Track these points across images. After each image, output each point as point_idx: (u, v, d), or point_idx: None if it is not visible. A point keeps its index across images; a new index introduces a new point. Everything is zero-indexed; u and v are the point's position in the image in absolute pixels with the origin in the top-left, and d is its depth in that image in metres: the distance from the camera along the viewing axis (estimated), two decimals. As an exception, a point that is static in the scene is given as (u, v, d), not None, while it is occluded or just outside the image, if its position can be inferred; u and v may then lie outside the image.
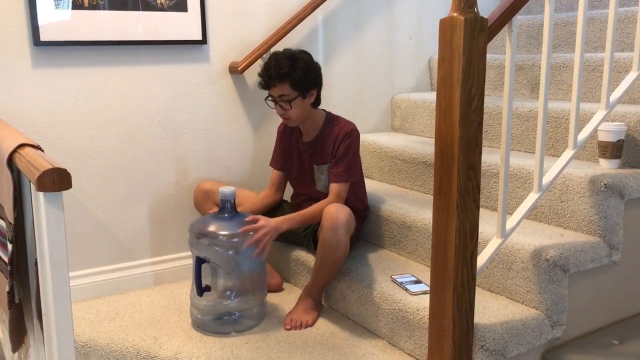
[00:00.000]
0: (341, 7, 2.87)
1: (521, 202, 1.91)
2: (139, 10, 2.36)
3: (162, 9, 2.40)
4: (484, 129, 2.54)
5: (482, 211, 2.22)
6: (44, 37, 2.20)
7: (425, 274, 2.13)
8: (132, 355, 2.01)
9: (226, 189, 2.12)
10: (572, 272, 1.92)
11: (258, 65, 2.51)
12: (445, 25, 1.52)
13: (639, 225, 2.12)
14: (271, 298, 2.36)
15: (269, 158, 2.54)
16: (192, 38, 2.48)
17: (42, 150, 1.37)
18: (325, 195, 2.26)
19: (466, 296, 1.65)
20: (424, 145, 2.68)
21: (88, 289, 2.43)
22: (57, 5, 2.20)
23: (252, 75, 2.60)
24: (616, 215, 2.02)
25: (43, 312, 1.29)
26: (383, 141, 2.85)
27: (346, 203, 2.21)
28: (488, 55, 2.60)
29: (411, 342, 1.93)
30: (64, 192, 1.19)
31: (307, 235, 2.37)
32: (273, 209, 2.42)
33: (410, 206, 2.38)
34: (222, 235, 2.05)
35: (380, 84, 3.09)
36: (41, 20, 2.18)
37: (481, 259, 1.76)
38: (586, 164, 2.23)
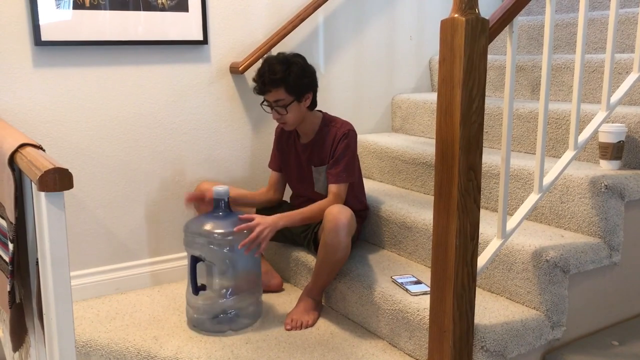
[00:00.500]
0: (342, 7, 2.87)
1: (522, 203, 1.91)
2: (140, 10, 2.36)
3: (163, 9, 2.40)
4: (484, 130, 2.55)
5: (482, 212, 2.23)
6: (45, 36, 2.20)
7: (426, 274, 2.13)
8: (132, 355, 2.01)
9: (220, 188, 2.12)
10: (572, 273, 1.92)
11: (259, 66, 2.51)
12: (447, 26, 1.52)
13: (639, 226, 2.12)
14: (271, 298, 2.36)
15: (268, 158, 2.54)
16: (192, 38, 2.48)
17: (44, 150, 1.37)
18: (324, 196, 2.26)
19: (466, 297, 1.65)
20: (424, 146, 2.68)
21: (88, 289, 2.43)
22: (58, 5, 2.21)
23: (253, 75, 2.60)
24: (616, 217, 2.03)
25: (44, 312, 1.29)
26: (383, 142, 2.85)
27: (345, 203, 2.21)
28: (489, 56, 2.61)
29: (411, 343, 1.93)
30: (65, 192, 1.19)
31: (307, 236, 2.37)
32: (273, 210, 2.42)
33: (410, 207, 2.39)
34: (216, 233, 2.05)
35: (381, 85, 3.09)
36: (42, 20, 2.18)
37: (481, 260, 1.76)
38: (587, 165, 2.23)
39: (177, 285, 2.56)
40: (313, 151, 2.31)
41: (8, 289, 1.45)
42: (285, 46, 2.64)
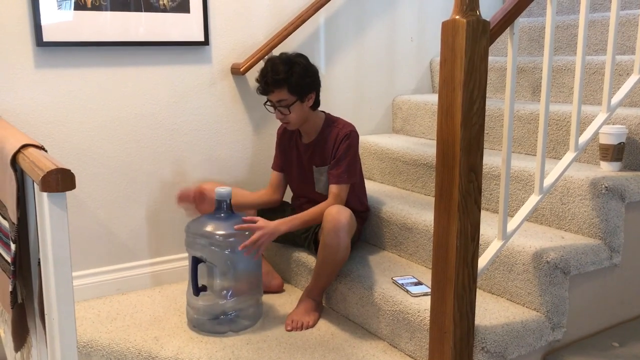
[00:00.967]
0: (343, 9, 2.88)
1: (522, 205, 1.91)
2: (141, 11, 2.36)
3: (164, 10, 2.40)
4: (485, 131, 2.55)
5: (483, 213, 2.23)
6: (46, 37, 2.21)
7: (426, 275, 2.14)
8: (133, 355, 2.01)
9: (222, 189, 2.13)
10: (572, 274, 1.93)
11: (260, 67, 2.51)
12: (448, 28, 1.53)
13: (640, 228, 2.13)
14: (272, 299, 2.37)
15: (269, 159, 2.55)
16: (194, 39, 2.49)
17: (46, 151, 1.38)
18: (324, 197, 2.27)
19: (467, 298, 1.65)
20: (425, 147, 2.68)
21: (89, 289, 2.44)
22: (59, 6, 2.21)
23: (254, 76, 2.58)
24: (617, 218, 2.03)
25: (46, 312, 1.29)
26: (384, 143, 2.85)
27: (346, 204, 2.21)
28: (489, 58, 2.61)
29: (412, 344, 1.93)
30: (66, 193, 1.20)
31: (308, 237, 2.37)
32: (275, 211, 2.42)
33: (411, 208, 2.39)
34: (218, 235, 2.05)
35: (382, 86, 3.09)
36: (44, 21, 2.19)
37: (482, 261, 1.77)
38: (587, 167, 2.23)
39: (178, 286, 2.57)
40: (315, 151, 2.32)
41: (10, 289, 1.46)
42: (287, 47, 2.64)
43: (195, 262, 2.07)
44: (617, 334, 2.11)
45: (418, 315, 1.90)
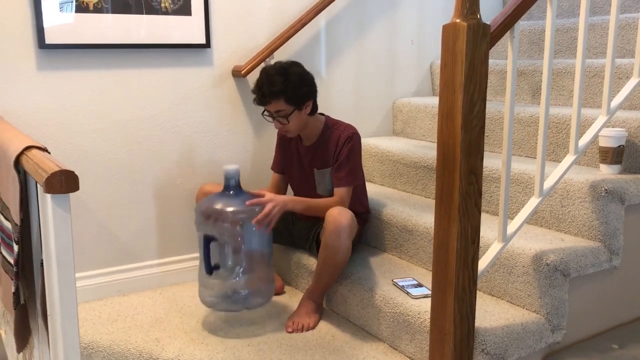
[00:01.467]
0: (344, 12, 2.89)
1: (522, 207, 1.92)
2: (143, 13, 2.37)
3: (166, 12, 2.41)
4: (485, 134, 2.56)
5: (483, 216, 2.23)
6: (49, 39, 2.21)
7: (427, 277, 2.14)
8: (134, 356, 2.02)
9: (230, 167, 2.13)
10: (572, 276, 1.93)
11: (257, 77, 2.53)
12: (448, 31, 1.54)
13: (639, 230, 2.13)
14: (273, 301, 2.37)
15: (270, 161, 2.56)
16: (195, 42, 2.50)
17: (49, 153, 1.38)
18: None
19: (467, 300, 1.66)
20: (425, 150, 2.69)
21: (90, 291, 2.44)
22: (61, 9, 2.22)
23: (255, 78, 2.62)
24: (616, 221, 2.04)
25: (48, 313, 1.30)
26: (384, 145, 2.86)
27: (348, 206, 2.22)
28: (490, 61, 2.62)
29: (412, 346, 1.94)
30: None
31: (308, 239, 2.38)
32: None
33: (411, 210, 2.40)
34: (228, 211, 2.06)
35: (382, 89, 3.10)
36: (46, 23, 2.20)
37: (482, 263, 1.77)
38: (587, 170, 2.24)
39: (179, 287, 2.57)
40: (316, 154, 2.33)
41: (13, 290, 1.46)
42: (287, 50, 2.66)
43: (207, 240, 2.08)
44: (616, 336, 2.12)
45: (418, 317, 1.90)
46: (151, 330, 2.16)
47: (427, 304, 1.91)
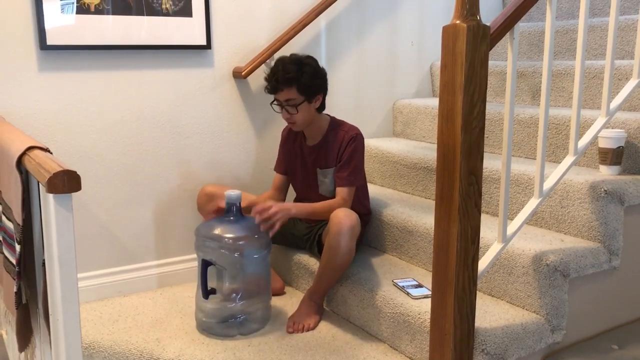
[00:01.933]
0: (344, 13, 2.90)
1: (522, 208, 1.93)
2: (144, 15, 2.38)
3: (167, 14, 2.42)
4: (485, 135, 2.57)
5: (483, 216, 2.23)
6: (50, 41, 2.22)
7: (427, 278, 2.15)
8: (135, 357, 2.02)
9: (232, 193, 2.14)
10: (572, 277, 1.94)
11: (262, 71, 2.54)
12: (448, 33, 1.54)
13: (639, 231, 2.14)
14: (273, 301, 2.37)
15: (272, 162, 2.56)
16: (196, 43, 2.50)
17: (51, 153, 1.39)
18: (327, 199, 2.28)
19: (467, 300, 1.66)
20: (425, 151, 2.70)
21: (91, 292, 2.45)
22: (63, 10, 2.23)
23: (256, 80, 2.63)
24: (616, 221, 2.04)
25: (50, 313, 1.30)
26: (385, 146, 2.87)
27: (350, 207, 2.22)
28: (490, 62, 2.63)
29: (412, 346, 1.94)
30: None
31: (310, 239, 2.39)
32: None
33: (411, 211, 2.40)
34: (227, 238, 2.07)
35: (382, 90, 3.11)
36: (47, 25, 2.21)
37: (482, 264, 1.78)
38: (586, 170, 2.25)
39: (180, 288, 2.58)
40: (319, 154, 2.34)
41: (15, 290, 1.47)
42: (288, 51, 2.65)
43: (205, 265, 2.08)
44: (616, 337, 2.12)
45: (418, 318, 1.91)
46: (152, 330, 2.17)
47: (427, 305, 1.92)
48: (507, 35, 1.74)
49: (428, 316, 1.84)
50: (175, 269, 2.62)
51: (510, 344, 1.82)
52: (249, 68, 2.56)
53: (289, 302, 2.40)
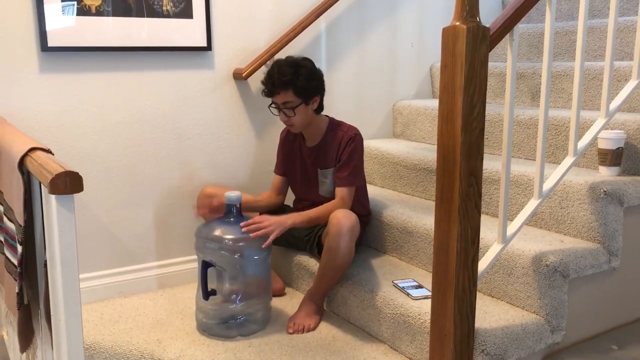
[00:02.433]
0: (344, 15, 2.90)
1: (522, 209, 1.93)
2: (144, 16, 2.38)
3: (167, 15, 2.43)
4: (485, 136, 2.57)
5: (483, 217, 2.24)
6: (51, 42, 2.23)
7: (427, 279, 2.15)
8: (136, 357, 2.03)
9: (232, 194, 2.14)
10: (571, 277, 1.94)
11: (262, 72, 2.54)
12: (448, 34, 1.55)
13: (638, 232, 2.14)
14: (273, 302, 2.37)
15: (271, 163, 2.57)
16: (197, 44, 2.51)
17: (53, 154, 1.40)
18: (327, 200, 2.29)
19: (467, 300, 1.67)
20: (425, 152, 2.70)
21: (91, 292, 2.45)
22: (64, 12, 2.23)
23: (256, 81, 2.63)
24: (615, 222, 2.05)
25: (52, 313, 1.31)
26: (385, 147, 2.87)
27: (349, 208, 2.23)
28: (489, 63, 2.64)
29: (413, 347, 1.95)
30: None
31: (310, 240, 2.39)
32: (276, 214, 2.44)
33: (411, 212, 2.41)
34: (227, 239, 2.07)
35: (382, 91, 3.11)
36: (49, 26, 2.21)
37: (482, 264, 1.78)
38: (586, 171, 2.25)
39: (180, 289, 2.58)
40: (319, 154, 2.34)
41: (16, 290, 1.47)
42: (288, 53, 2.66)
43: (205, 266, 2.09)
44: (616, 337, 2.12)
45: (419, 318, 1.91)
46: (153, 331, 2.17)
47: (427, 305, 1.92)
48: (507, 36, 1.75)
49: (428, 317, 1.85)
50: (175, 270, 2.62)
51: (510, 345, 1.82)
52: (250, 69, 2.56)
53: (290, 303, 2.40)
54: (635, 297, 2.22)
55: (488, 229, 2.12)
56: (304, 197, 2.45)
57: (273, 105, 2.27)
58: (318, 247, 2.33)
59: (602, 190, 2.02)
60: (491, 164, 2.36)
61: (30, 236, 1.44)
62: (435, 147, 1.65)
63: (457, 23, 1.52)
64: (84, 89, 2.35)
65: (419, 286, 2.10)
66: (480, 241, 1.83)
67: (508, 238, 1.85)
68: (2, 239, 1.66)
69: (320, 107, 2.31)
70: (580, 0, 1.88)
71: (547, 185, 1.92)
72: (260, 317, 2.17)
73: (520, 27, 3.02)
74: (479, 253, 1.67)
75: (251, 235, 2.06)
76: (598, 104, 2.47)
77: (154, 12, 2.40)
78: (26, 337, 1.59)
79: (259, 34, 2.68)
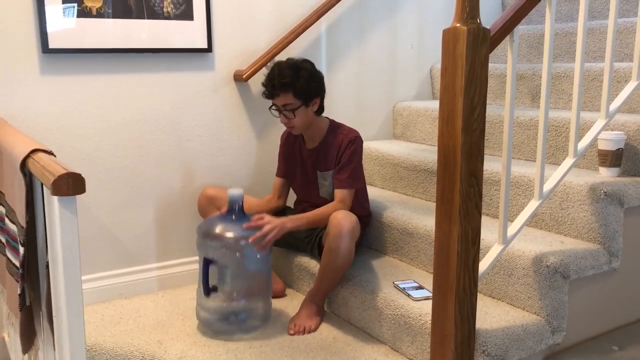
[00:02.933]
0: (344, 16, 2.91)
1: (522, 210, 1.94)
2: (145, 18, 2.39)
3: (168, 17, 2.43)
4: (485, 137, 2.58)
5: (483, 218, 2.24)
6: (52, 44, 2.23)
7: (427, 280, 2.15)
8: (137, 359, 2.03)
9: (234, 191, 2.15)
10: (572, 278, 1.94)
11: (262, 74, 2.54)
12: (449, 36, 1.56)
13: (638, 232, 2.15)
14: (274, 303, 2.38)
15: (272, 165, 2.57)
16: (197, 46, 2.51)
17: (54, 156, 1.40)
18: (328, 202, 2.29)
19: (468, 301, 1.67)
20: (425, 153, 2.71)
21: (92, 294, 2.45)
22: (65, 14, 2.24)
23: (257, 83, 2.64)
24: (616, 223, 2.05)
25: (54, 315, 1.31)
26: (385, 149, 2.87)
27: (349, 209, 2.23)
28: (489, 65, 2.64)
29: (413, 348, 1.95)
30: (72, 197, 1.22)
31: (310, 241, 2.39)
32: (277, 216, 2.44)
33: (412, 213, 2.41)
34: (229, 236, 2.07)
35: (383, 92, 3.12)
36: (50, 28, 2.21)
37: (483, 265, 1.79)
38: (586, 172, 2.26)
39: (181, 290, 2.58)
40: (319, 156, 2.34)
41: (18, 292, 1.48)
42: (289, 54, 2.66)
43: (207, 263, 2.09)
44: (616, 338, 2.13)
45: (419, 319, 1.92)
46: (153, 332, 2.18)
47: (428, 306, 1.92)
48: (507, 38, 1.75)
49: (429, 318, 1.85)
50: (176, 271, 2.62)
51: (510, 345, 1.82)
52: (250, 71, 2.57)
53: (290, 304, 2.40)
54: (636, 297, 2.22)
55: (488, 230, 2.12)
56: (305, 198, 2.45)
57: (273, 107, 2.27)
58: (319, 249, 2.33)
59: (602, 191, 2.02)
60: (491, 165, 2.36)
61: (32, 237, 1.45)
62: (436, 148, 1.66)
63: (458, 25, 1.53)
64: (85, 91, 2.35)
65: (420, 287, 2.11)
66: (481, 242, 1.83)
67: (508, 239, 1.85)
68: (4, 241, 1.66)
69: (321, 109, 2.31)
70: (580, 2, 1.89)
71: (547, 186, 1.92)
72: (260, 313, 2.18)
73: (521, 28, 3.03)
74: (479, 254, 1.67)
75: (250, 240, 2.06)
76: (598, 105, 2.47)
77: (155, 14, 2.40)
78: (28, 339, 1.59)
79: (260, 36, 2.68)
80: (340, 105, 2.96)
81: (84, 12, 2.27)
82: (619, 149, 2.17)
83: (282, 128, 2.47)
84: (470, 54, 1.52)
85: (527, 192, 2.22)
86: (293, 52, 2.71)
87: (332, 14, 2.83)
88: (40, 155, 1.36)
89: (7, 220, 1.60)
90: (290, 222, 2.16)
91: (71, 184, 1.18)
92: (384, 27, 3.04)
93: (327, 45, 2.88)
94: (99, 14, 2.30)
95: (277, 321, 2.25)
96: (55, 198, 1.19)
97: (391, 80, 3.14)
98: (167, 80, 2.50)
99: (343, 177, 2.26)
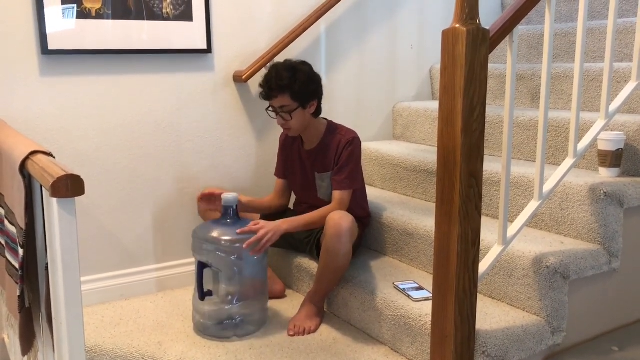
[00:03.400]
0: (344, 17, 2.91)
1: (522, 210, 1.94)
2: (144, 19, 2.39)
3: (167, 18, 2.43)
4: (485, 138, 2.57)
5: (483, 219, 2.24)
6: (51, 45, 2.23)
7: (427, 280, 2.15)
8: (137, 360, 2.03)
9: (229, 195, 2.15)
10: (572, 279, 1.94)
11: (262, 75, 2.54)
12: (448, 36, 1.55)
13: (638, 233, 2.14)
14: (274, 304, 2.38)
15: (272, 166, 2.57)
16: (197, 47, 2.51)
17: (54, 157, 1.40)
18: (326, 203, 2.29)
19: (468, 302, 1.67)
20: (425, 154, 2.71)
21: (92, 295, 2.45)
22: (64, 15, 2.24)
23: (256, 84, 2.62)
24: (616, 223, 2.05)
25: (53, 317, 1.31)
26: (385, 149, 2.87)
27: (348, 210, 2.23)
28: (489, 65, 2.64)
29: (414, 348, 1.95)
30: (72, 198, 1.22)
31: (309, 242, 2.39)
32: (277, 217, 2.44)
33: (412, 214, 2.41)
34: (224, 240, 2.08)
35: (382, 93, 3.12)
36: (49, 29, 2.21)
37: (483, 266, 1.79)
38: (586, 173, 2.26)
39: (181, 291, 2.58)
40: (317, 158, 2.34)
41: (18, 293, 1.47)
42: (288, 55, 2.67)
43: (202, 267, 2.09)
44: (616, 338, 2.13)
45: (419, 320, 1.91)
46: (153, 333, 2.17)
47: (428, 307, 1.92)
48: (507, 38, 1.75)
49: (429, 318, 1.85)
50: (176, 272, 2.62)
51: (511, 346, 1.82)
52: (250, 72, 2.57)
53: (290, 305, 2.40)
54: (636, 298, 2.22)
55: (488, 231, 2.12)
56: (304, 199, 2.45)
57: (270, 108, 2.27)
58: (317, 249, 2.33)
59: (602, 192, 2.02)
60: (491, 166, 2.36)
61: (31, 239, 1.45)
62: (435, 148, 1.66)
63: (457, 25, 1.53)
64: (84, 92, 2.35)
65: (420, 288, 2.11)
66: (481, 243, 1.83)
67: (508, 240, 1.85)
68: (3, 242, 1.66)
69: (318, 111, 2.31)
70: (579, 2, 1.89)
71: (547, 187, 1.92)
72: (257, 318, 2.18)
73: (520, 28, 3.03)
74: (479, 254, 1.67)
75: (244, 245, 2.05)
76: (598, 105, 2.47)
77: (154, 15, 2.40)
78: (27, 340, 1.59)
79: (259, 36, 2.68)
80: (340, 105, 2.96)
81: (83, 13, 2.27)
82: (618, 149, 2.17)
83: (281, 129, 2.46)
84: (469, 54, 1.52)
85: (527, 193, 2.22)
86: (293, 52, 2.71)
87: (331, 15, 2.83)
88: (40, 157, 1.36)
89: (6, 222, 1.60)
90: (285, 224, 2.16)
91: (70, 186, 1.18)
92: (383, 28, 3.04)
93: (327, 46, 2.88)
94: (99, 15, 2.30)
95: (277, 322, 2.25)
96: (55, 200, 1.19)
97: (391, 80, 3.14)
98: (167, 81, 2.49)
99: (341, 178, 2.26)
